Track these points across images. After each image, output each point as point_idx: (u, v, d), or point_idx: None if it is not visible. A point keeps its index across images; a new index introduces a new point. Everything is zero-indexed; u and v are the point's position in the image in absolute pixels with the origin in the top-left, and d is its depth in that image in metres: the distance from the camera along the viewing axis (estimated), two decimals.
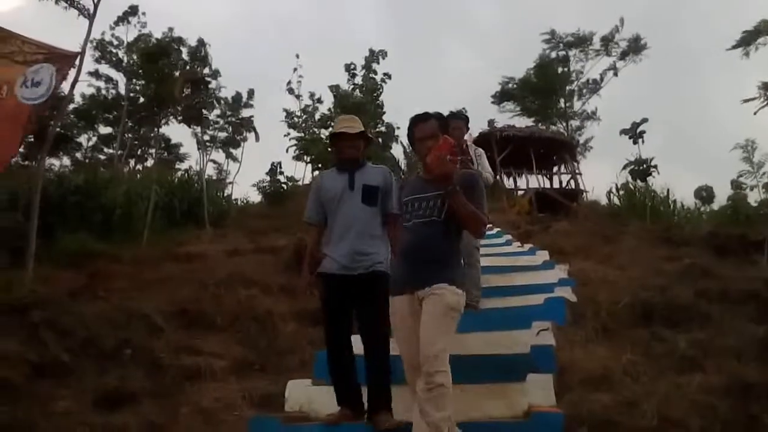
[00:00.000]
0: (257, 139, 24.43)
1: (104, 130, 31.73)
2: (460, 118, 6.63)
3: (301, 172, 29.39)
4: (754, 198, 19.84)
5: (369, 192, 4.20)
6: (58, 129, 14.11)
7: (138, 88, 25.90)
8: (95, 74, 29.25)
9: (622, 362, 4.95)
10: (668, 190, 15.24)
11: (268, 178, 25.24)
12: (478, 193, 3.48)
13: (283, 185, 24.67)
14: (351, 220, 4.14)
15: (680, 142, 52.02)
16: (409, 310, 3.41)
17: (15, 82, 6.86)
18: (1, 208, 9.95)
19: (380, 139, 28.86)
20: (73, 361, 5.87)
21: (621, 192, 16.95)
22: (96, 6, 9.82)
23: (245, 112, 26.93)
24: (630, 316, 6.06)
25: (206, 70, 24.26)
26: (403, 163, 29.84)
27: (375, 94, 29.69)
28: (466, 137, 7.07)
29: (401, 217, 3.67)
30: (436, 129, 3.56)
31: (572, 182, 25.74)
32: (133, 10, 28.02)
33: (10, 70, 6.88)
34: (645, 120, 15.30)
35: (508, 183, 25.13)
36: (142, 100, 24.99)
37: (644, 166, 14.71)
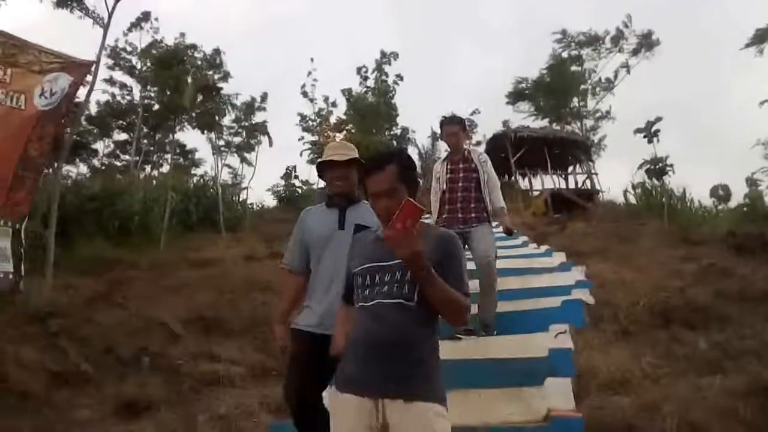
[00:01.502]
0: (270, 143, 24.53)
1: (120, 136, 32.02)
2: (454, 122, 6.02)
3: (316, 176, 29.47)
4: None
5: None
6: (74, 137, 14.21)
7: (152, 94, 26.12)
8: (109, 81, 29.54)
9: (642, 365, 4.92)
10: (684, 189, 15.15)
11: (283, 183, 25.36)
12: (456, 262, 2.53)
13: (298, 189, 24.79)
14: (340, 266, 3.15)
15: (697, 139, 51.57)
16: (364, 422, 2.36)
17: (33, 91, 6.94)
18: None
19: (395, 142, 28.93)
20: (92, 370, 5.91)
21: (637, 191, 16.85)
22: (110, 15, 9.91)
23: (259, 116, 27.05)
24: (649, 318, 6.03)
25: (219, 76, 24.40)
26: (418, 166, 29.91)
27: (388, 96, 29.78)
28: (470, 145, 6.42)
29: (353, 292, 2.65)
30: (395, 180, 2.49)
31: (588, 182, 25.61)
32: (145, 16, 28.23)
33: (27, 80, 6.96)
34: (659, 119, 15.17)
35: (523, 184, 25.02)
36: (156, 106, 25.18)
37: (660, 164, 14.57)
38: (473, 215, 5.78)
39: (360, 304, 2.54)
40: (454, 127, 5.95)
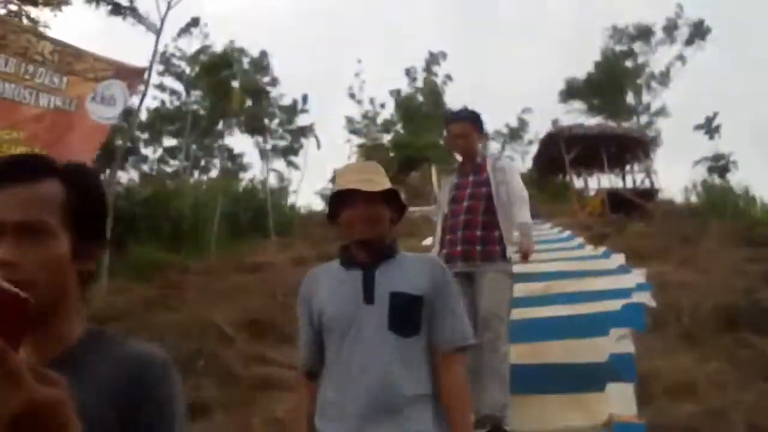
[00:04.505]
0: (318, 146, 24.70)
1: (169, 142, 32.67)
2: (462, 119, 4.33)
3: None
4: None
5: (402, 308, 2.08)
6: (127, 143, 14.57)
7: (199, 99, 26.54)
8: (159, 87, 30.13)
9: (707, 370, 4.81)
10: (748, 187, 14.72)
11: (330, 186, 25.55)
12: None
13: None
14: (369, 370, 2.03)
15: (757, 134, 50.12)
16: None
17: (86, 96, 7.07)
18: None
19: (443, 142, 28.84)
20: None
21: (698, 190, 16.43)
22: (163, 21, 10.08)
23: (301, 118, 27.25)
24: (714, 322, 5.84)
25: (267, 79, 24.66)
26: None
27: (437, 97, 29.77)
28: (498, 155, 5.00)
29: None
30: (50, 215, 1.03)
31: (647, 181, 24.98)
32: (194, 22, 28.70)
33: (82, 87, 7.08)
34: (717, 114, 14.78)
35: (579, 183, 24.60)
36: (203, 111, 25.59)
37: (723, 161, 14.18)
38: (478, 248, 4.05)
39: None
40: (463, 126, 4.24)
